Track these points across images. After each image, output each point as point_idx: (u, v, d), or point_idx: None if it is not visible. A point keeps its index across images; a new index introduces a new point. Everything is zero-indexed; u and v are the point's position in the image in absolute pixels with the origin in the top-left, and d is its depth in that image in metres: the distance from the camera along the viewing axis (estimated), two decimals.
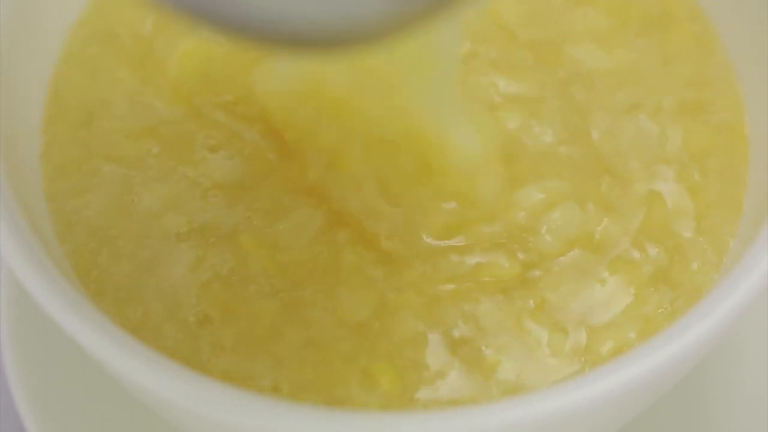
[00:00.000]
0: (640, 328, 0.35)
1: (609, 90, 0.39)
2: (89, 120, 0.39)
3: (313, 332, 0.34)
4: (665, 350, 0.30)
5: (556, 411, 0.29)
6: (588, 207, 0.37)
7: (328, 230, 0.36)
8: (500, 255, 0.36)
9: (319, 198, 0.36)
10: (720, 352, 0.42)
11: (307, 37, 0.25)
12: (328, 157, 0.36)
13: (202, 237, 0.36)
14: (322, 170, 0.36)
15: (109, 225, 0.37)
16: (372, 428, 0.29)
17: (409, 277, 0.35)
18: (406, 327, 0.34)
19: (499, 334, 0.35)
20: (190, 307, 0.35)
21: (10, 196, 0.34)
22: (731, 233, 0.36)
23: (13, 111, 0.37)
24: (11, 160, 0.36)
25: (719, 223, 0.37)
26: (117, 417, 0.41)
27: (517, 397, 0.30)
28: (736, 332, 0.42)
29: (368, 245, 0.36)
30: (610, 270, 0.36)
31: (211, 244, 0.36)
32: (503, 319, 0.35)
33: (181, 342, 0.34)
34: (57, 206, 0.37)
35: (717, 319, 0.31)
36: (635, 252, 0.36)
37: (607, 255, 0.36)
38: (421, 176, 0.36)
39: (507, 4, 0.41)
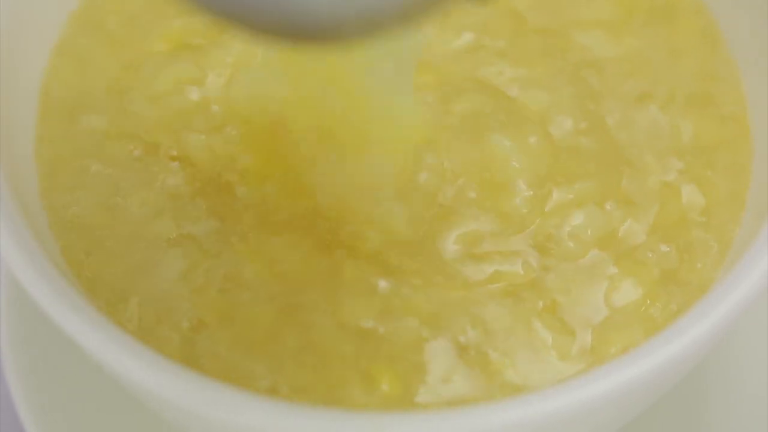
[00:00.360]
0: (648, 329, 0.34)
1: (619, 78, 0.39)
2: (74, 116, 0.38)
3: (313, 336, 0.34)
4: (664, 350, 0.30)
5: (557, 411, 0.29)
6: (611, 207, 0.36)
7: (327, 246, 0.36)
8: (518, 262, 0.35)
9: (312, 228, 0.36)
10: (720, 352, 0.42)
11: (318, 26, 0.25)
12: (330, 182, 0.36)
13: (194, 243, 0.36)
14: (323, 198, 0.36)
15: (98, 225, 0.36)
16: (372, 428, 0.29)
17: (418, 283, 0.35)
18: (411, 332, 0.34)
19: (507, 337, 0.34)
20: (183, 312, 0.34)
21: (9, 195, 0.34)
22: (736, 230, 0.36)
23: (11, 107, 0.37)
24: (8, 158, 0.35)
25: (727, 220, 0.36)
26: (116, 417, 0.41)
27: (518, 397, 0.30)
28: (736, 332, 0.42)
29: (373, 260, 0.35)
30: (621, 270, 0.35)
31: (203, 251, 0.35)
32: (511, 322, 0.34)
33: (175, 346, 0.34)
34: (50, 203, 0.37)
35: (716, 319, 0.30)
36: (648, 252, 0.36)
37: (621, 255, 0.36)
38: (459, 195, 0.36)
39: None
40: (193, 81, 0.38)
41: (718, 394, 0.41)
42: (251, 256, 0.35)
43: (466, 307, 0.35)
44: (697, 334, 0.30)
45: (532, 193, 0.36)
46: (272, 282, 0.35)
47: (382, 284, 0.35)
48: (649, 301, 0.35)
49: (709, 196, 0.37)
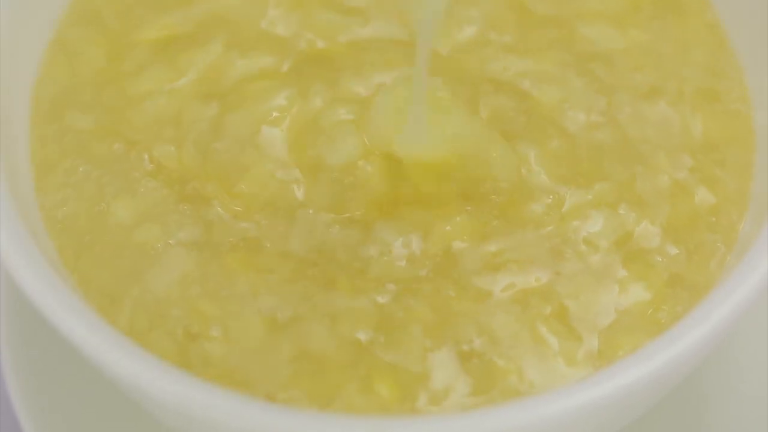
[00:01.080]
0: (654, 332, 0.34)
1: (627, 71, 0.39)
2: (64, 113, 0.38)
3: (309, 345, 0.33)
4: (662, 355, 0.30)
5: (556, 415, 0.29)
6: (627, 208, 0.36)
7: (320, 260, 0.35)
8: (534, 270, 0.35)
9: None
10: (720, 353, 0.42)
11: None
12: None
13: (182, 252, 0.35)
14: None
15: (86, 230, 0.36)
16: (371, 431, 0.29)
17: (425, 294, 0.34)
18: (413, 341, 0.33)
19: (513, 344, 0.34)
20: (176, 321, 0.34)
21: (8, 196, 0.34)
22: (741, 230, 0.36)
23: (10, 105, 0.37)
24: (7, 156, 0.35)
25: (735, 220, 0.36)
26: (115, 420, 0.40)
27: (516, 402, 0.30)
28: (736, 333, 0.42)
29: (374, 274, 0.35)
30: (631, 274, 0.35)
31: (192, 260, 0.35)
32: (518, 329, 0.34)
33: (168, 355, 0.33)
34: (43, 203, 0.36)
35: (715, 322, 0.31)
36: (659, 255, 0.35)
37: (632, 259, 0.35)
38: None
39: None
40: (169, 85, 0.38)
41: (718, 396, 0.41)
42: (241, 265, 0.35)
43: (473, 316, 0.34)
44: (696, 337, 0.30)
45: (552, 198, 0.36)
46: (264, 292, 0.34)
47: (382, 298, 0.34)
48: (657, 305, 0.34)
49: (719, 195, 0.36)
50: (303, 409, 0.32)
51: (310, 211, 0.36)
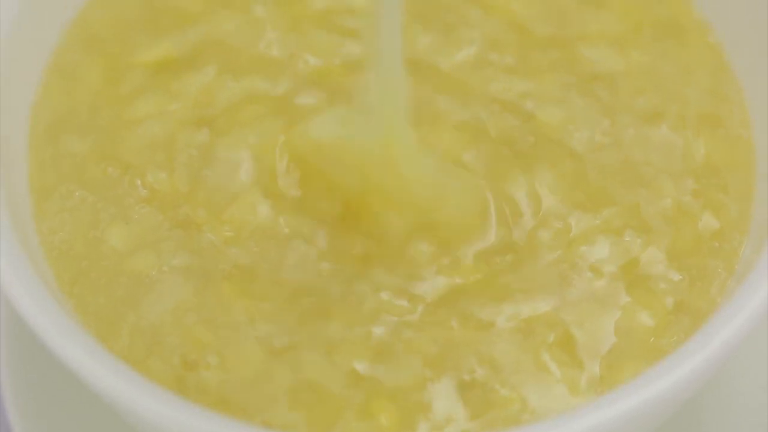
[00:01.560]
0: (657, 358, 0.33)
1: (630, 93, 0.38)
2: (60, 136, 0.38)
3: (306, 374, 0.33)
4: (658, 384, 0.30)
5: None
6: (633, 234, 0.36)
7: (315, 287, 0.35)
8: (539, 299, 0.35)
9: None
10: (719, 377, 0.41)
11: None
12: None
13: (177, 280, 0.35)
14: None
15: (82, 256, 0.36)
16: None
17: (424, 325, 0.34)
18: (413, 371, 0.33)
19: (515, 372, 0.33)
20: (172, 350, 0.34)
21: (8, 221, 0.33)
22: (742, 255, 0.36)
23: (10, 129, 0.37)
24: (7, 182, 0.35)
25: (737, 245, 0.36)
26: None
27: (518, 429, 0.29)
28: (735, 357, 0.42)
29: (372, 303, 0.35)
30: (635, 300, 0.35)
31: (187, 287, 0.35)
32: (520, 357, 0.33)
33: (166, 381, 0.33)
34: (41, 228, 0.36)
35: (713, 349, 0.30)
36: (663, 281, 0.35)
37: (636, 285, 0.35)
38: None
39: (520, 2, 0.40)
40: (163, 109, 0.38)
41: (717, 420, 0.41)
42: (236, 293, 0.35)
43: (475, 346, 0.34)
44: (697, 362, 0.30)
45: (561, 224, 0.36)
46: (260, 319, 0.34)
47: (378, 329, 0.34)
48: (659, 331, 0.34)
49: (722, 219, 0.36)
50: None
51: (300, 242, 0.35)
